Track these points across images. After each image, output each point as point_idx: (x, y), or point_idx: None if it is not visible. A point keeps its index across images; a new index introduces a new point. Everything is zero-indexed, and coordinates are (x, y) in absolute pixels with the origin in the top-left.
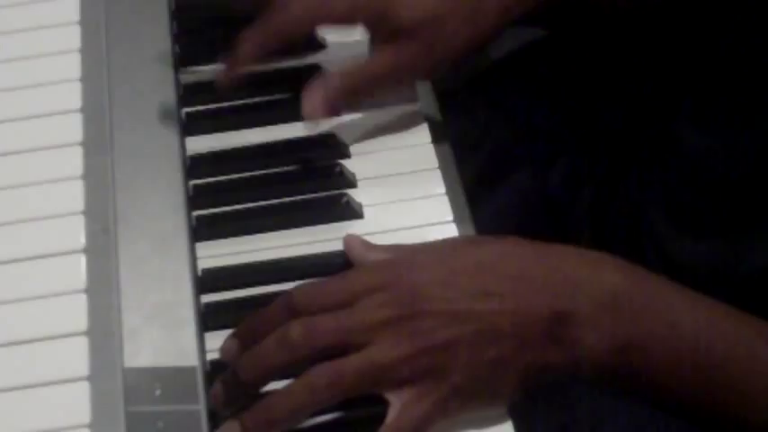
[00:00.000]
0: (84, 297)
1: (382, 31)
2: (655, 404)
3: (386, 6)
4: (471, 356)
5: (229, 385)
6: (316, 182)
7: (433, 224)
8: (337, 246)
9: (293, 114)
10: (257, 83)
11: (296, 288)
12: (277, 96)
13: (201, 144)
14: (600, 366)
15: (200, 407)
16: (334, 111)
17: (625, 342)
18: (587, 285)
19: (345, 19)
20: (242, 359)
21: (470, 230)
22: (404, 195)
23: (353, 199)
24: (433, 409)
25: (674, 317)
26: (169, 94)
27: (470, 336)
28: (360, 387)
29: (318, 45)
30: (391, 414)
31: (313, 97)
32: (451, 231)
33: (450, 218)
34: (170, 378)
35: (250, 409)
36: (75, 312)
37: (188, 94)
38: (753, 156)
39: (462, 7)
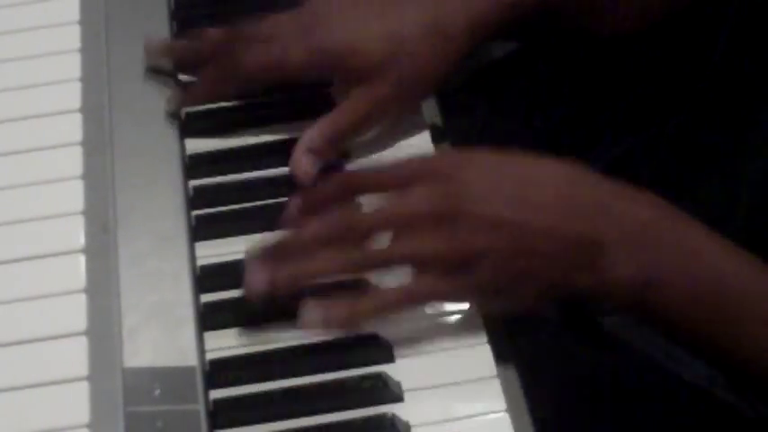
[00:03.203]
0: (83, 297)
1: (347, 77)
2: (671, 338)
3: (342, 53)
4: (500, 265)
5: (280, 244)
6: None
7: None
8: None
9: (293, 114)
10: None
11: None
12: (277, 96)
13: (201, 144)
14: (622, 297)
15: (200, 406)
16: (320, 161)
17: (648, 276)
18: (621, 217)
19: (301, 70)
20: (307, 222)
21: None
22: None
23: None
24: (451, 290)
25: (699, 257)
26: (169, 94)
27: (504, 246)
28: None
29: None
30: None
31: (297, 155)
32: None
33: None
34: (169, 378)
35: (333, 302)
36: (75, 312)
37: None
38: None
39: (425, 37)
